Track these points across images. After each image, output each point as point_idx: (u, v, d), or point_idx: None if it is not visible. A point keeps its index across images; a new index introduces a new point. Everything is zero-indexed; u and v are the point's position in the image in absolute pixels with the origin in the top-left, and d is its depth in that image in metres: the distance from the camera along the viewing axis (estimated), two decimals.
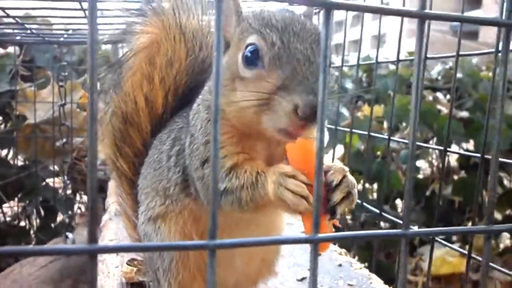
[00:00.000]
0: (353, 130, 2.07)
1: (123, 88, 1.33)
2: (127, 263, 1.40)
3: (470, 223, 3.71)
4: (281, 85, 0.83)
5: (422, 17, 0.60)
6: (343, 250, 1.74)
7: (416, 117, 0.61)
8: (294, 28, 0.87)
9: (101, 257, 1.61)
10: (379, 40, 1.90)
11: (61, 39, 2.49)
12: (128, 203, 1.39)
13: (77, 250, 0.51)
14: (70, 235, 2.44)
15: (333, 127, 2.12)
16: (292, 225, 2.16)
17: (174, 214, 1.09)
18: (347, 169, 0.88)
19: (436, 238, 1.66)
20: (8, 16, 1.97)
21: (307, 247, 1.94)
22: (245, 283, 1.21)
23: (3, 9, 1.87)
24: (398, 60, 1.75)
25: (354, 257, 1.74)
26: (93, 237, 0.51)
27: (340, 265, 1.61)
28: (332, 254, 1.71)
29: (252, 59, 0.88)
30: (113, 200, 2.16)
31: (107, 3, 1.86)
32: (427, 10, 0.59)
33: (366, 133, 1.88)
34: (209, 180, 0.96)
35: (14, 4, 2.22)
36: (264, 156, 0.98)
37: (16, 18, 2.13)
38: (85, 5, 1.75)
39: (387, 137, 1.78)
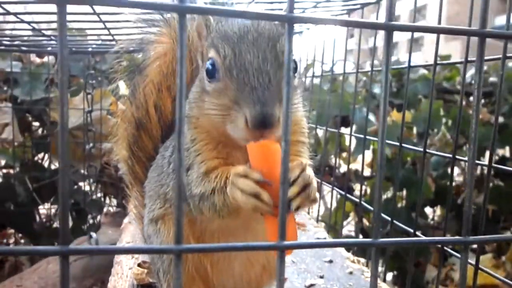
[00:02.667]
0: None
1: (136, 96, 1.40)
2: (138, 265, 1.45)
3: (508, 232, 3.55)
4: (234, 97, 0.86)
5: (389, 29, 0.60)
6: (356, 258, 1.72)
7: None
8: (249, 37, 0.89)
9: (117, 258, 1.67)
10: (411, 44, 1.79)
11: (89, 49, 2.61)
12: (142, 206, 1.44)
13: (49, 251, 0.54)
14: (93, 234, 2.53)
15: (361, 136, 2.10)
16: (309, 231, 2.16)
17: (171, 216, 1.13)
18: (305, 162, 0.89)
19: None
20: (45, 36, 2.09)
21: (317, 253, 1.92)
22: None
23: (39, 29, 1.99)
24: (436, 64, 1.62)
25: (366, 266, 1.71)
26: (65, 239, 0.55)
27: (351, 272, 1.60)
28: (345, 262, 1.70)
29: (212, 72, 0.92)
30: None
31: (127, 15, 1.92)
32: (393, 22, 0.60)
33: (397, 143, 1.84)
34: (190, 185, 0.99)
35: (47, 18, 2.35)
36: (243, 161, 1.00)
37: (51, 33, 2.25)
38: (101, 14, 1.83)
39: (419, 148, 1.69)
